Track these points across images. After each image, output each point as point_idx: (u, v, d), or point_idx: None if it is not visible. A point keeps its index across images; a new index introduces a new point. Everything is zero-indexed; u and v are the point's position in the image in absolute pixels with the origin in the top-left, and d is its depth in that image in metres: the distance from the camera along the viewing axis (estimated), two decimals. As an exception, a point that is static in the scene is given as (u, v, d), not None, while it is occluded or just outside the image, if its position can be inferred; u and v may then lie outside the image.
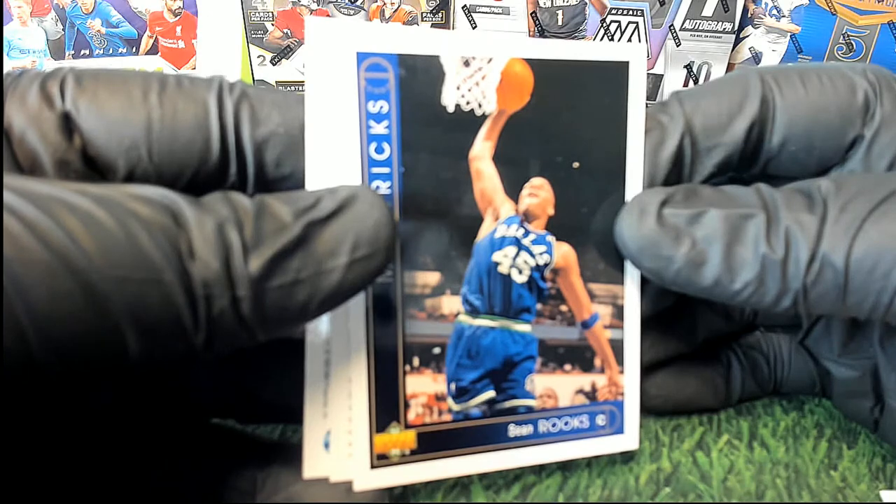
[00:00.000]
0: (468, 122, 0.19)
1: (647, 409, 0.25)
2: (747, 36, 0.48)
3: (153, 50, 0.46)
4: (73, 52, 0.45)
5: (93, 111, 0.17)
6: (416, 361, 0.20)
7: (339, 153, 0.18)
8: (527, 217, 0.20)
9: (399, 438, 0.20)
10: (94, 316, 0.13)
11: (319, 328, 0.19)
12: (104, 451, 0.18)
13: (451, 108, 0.19)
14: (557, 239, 0.21)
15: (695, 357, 0.25)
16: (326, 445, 0.19)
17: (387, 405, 0.19)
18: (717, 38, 0.47)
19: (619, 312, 0.22)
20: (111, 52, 0.46)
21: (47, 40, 0.45)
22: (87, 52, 0.45)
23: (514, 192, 0.20)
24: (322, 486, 0.19)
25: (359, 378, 0.19)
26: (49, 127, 0.17)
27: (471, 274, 0.20)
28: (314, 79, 0.18)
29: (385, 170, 0.18)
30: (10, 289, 0.12)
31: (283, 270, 0.15)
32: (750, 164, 0.22)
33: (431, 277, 0.20)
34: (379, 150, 0.18)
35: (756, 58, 0.49)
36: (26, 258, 0.12)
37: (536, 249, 0.21)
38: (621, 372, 0.22)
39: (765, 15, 0.47)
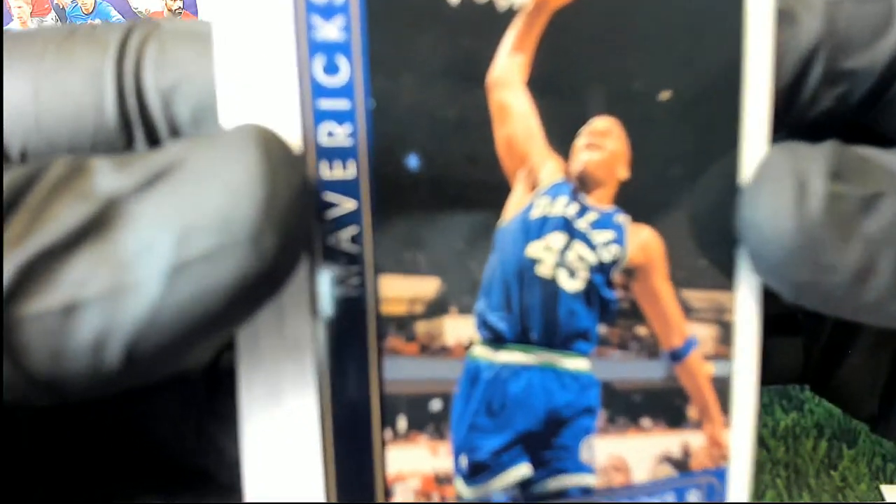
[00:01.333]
0: (485, 21, 0.12)
1: None
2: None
3: (153, 50, 0.46)
4: (73, 52, 0.46)
5: None
6: (401, 424, 0.12)
7: (259, 80, 0.11)
8: (583, 184, 0.13)
9: None
10: None
11: (254, 370, 0.12)
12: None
13: None
14: (633, 219, 0.13)
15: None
16: None
17: (355, 495, 0.12)
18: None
19: (726, 335, 0.14)
20: (111, 52, 0.46)
21: (47, 40, 0.45)
22: (87, 52, 0.46)
23: (562, 141, 0.12)
24: None
25: (306, 454, 0.12)
26: None
27: (492, 279, 0.13)
28: None
29: (342, 103, 0.11)
30: None
31: (49, 285, 0.09)
32: (865, 111, 0.15)
33: (425, 286, 0.12)
34: (330, 69, 0.11)
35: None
36: None
37: (599, 237, 0.13)
38: (726, 424, 0.15)
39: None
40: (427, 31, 0.11)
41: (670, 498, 0.15)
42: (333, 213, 0.12)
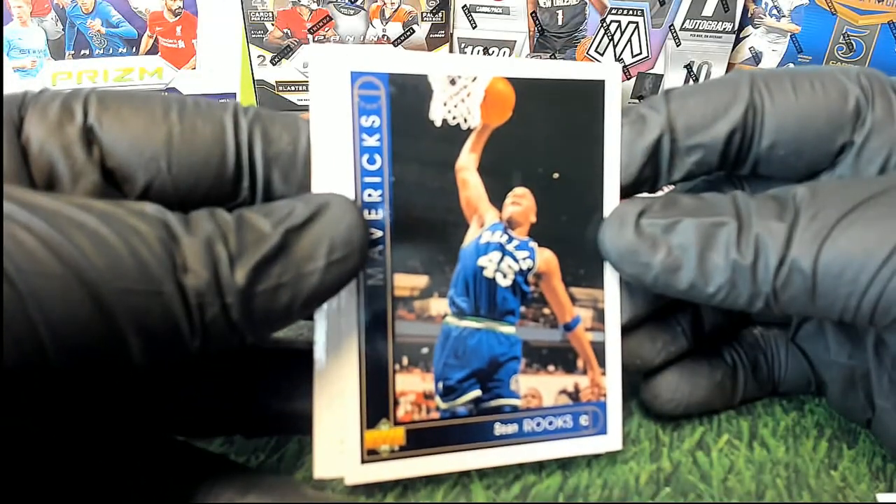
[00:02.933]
0: (454, 136, 0.20)
1: (660, 414, 0.25)
2: (747, 36, 0.48)
3: (153, 50, 0.46)
4: (73, 52, 0.45)
5: (115, 125, 0.18)
6: (405, 361, 0.20)
7: (335, 164, 0.19)
8: (510, 224, 0.21)
9: (389, 435, 0.20)
10: (103, 325, 0.14)
11: (317, 331, 0.20)
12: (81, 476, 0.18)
13: (438, 123, 0.20)
14: (540, 245, 0.22)
15: (702, 359, 0.25)
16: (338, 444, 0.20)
17: (377, 402, 0.20)
18: (718, 37, 0.47)
19: (600, 316, 0.22)
20: (111, 51, 0.46)
21: (47, 40, 0.45)
22: (87, 52, 0.45)
23: (497, 200, 0.21)
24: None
25: (351, 376, 0.20)
26: (70, 140, 0.17)
27: (457, 277, 0.21)
28: (316, 98, 0.19)
29: (376, 179, 0.20)
30: (30, 300, 0.13)
31: (266, 276, 0.16)
32: (736, 165, 0.22)
33: (420, 280, 0.20)
34: (371, 161, 0.20)
35: (756, 58, 0.49)
36: (43, 271, 0.13)
37: (520, 255, 0.21)
38: (603, 374, 0.23)
39: (765, 15, 0.47)
40: (422, 140, 0.20)
41: (569, 419, 0.22)
42: (371, 238, 0.20)
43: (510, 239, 0.21)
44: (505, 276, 0.21)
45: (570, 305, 0.22)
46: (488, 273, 0.21)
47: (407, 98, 0.20)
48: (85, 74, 0.46)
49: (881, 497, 0.24)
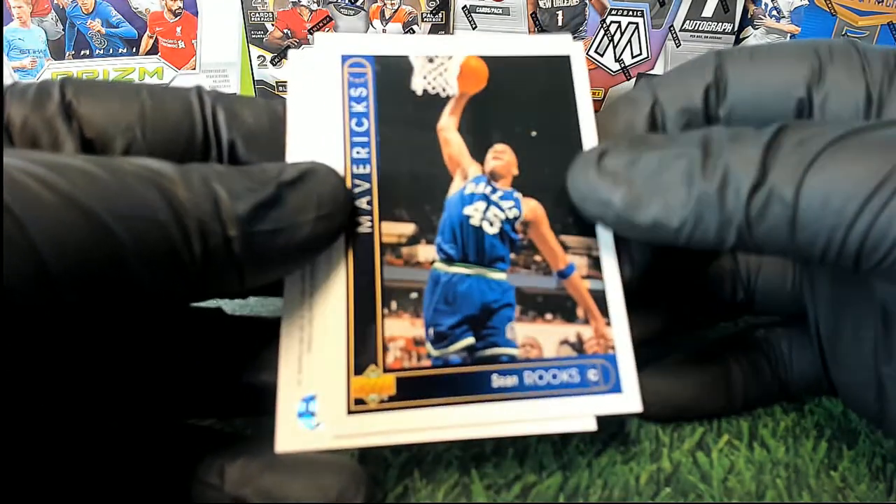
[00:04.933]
0: (434, 103, 0.23)
1: (645, 416, 0.25)
2: (747, 37, 0.48)
3: (153, 50, 0.46)
4: (73, 52, 0.45)
5: (91, 101, 0.19)
6: (393, 305, 0.20)
7: (324, 126, 0.22)
8: (493, 176, 0.22)
9: (378, 383, 0.20)
10: (101, 244, 0.15)
11: (298, 283, 0.20)
12: (78, 452, 0.18)
13: (419, 92, 0.23)
14: (524, 195, 0.22)
15: (690, 360, 0.25)
16: (301, 415, 0.19)
17: (365, 347, 0.20)
18: (717, 38, 0.47)
19: (595, 263, 0.22)
20: (111, 52, 0.46)
21: (47, 40, 0.45)
22: (88, 52, 0.45)
23: (479, 156, 0.23)
24: (291, 476, 0.19)
25: (337, 319, 0.20)
26: (51, 114, 0.19)
27: (444, 225, 0.22)
28: (302, 74, 0.22)
29: (364, 139, 0.22)
30: (26, 218, 0.14)
31: (264, 219, 0.17)
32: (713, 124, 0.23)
33: (407, 228, 0.21)
34: (359, 124, 0.22)
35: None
36: (37, 202, 0.14)
37: (505, 204, 0.22)
38: (608, 324, 0.22)
39: (765, 16, 0.47)
40: (405, 106, 0.22)
41: (574, 373, 0.21)
42: (359, 190, 0.21)
43: (494, 190, 0.22)
44: (491, 224, 0.22)
45: (563, 253, 0.22)
46: (474, 221, 0.22)
47: (390, 74, 0.23)
48: (85, 75, 0.46)
49: None
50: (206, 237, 0.16)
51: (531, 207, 0.22)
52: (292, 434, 0.19)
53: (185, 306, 0.22)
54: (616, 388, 0.21)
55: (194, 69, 0.46)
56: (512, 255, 0.22)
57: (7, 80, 0.46)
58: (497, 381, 0.21)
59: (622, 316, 0.22)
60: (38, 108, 0.19)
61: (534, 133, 0.23)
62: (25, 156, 0.15)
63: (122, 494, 0.19)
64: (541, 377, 0.21)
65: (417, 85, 0.22)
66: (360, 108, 0.22)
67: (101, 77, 0.46)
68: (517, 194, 0.22)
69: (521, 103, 0.23)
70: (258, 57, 0.46)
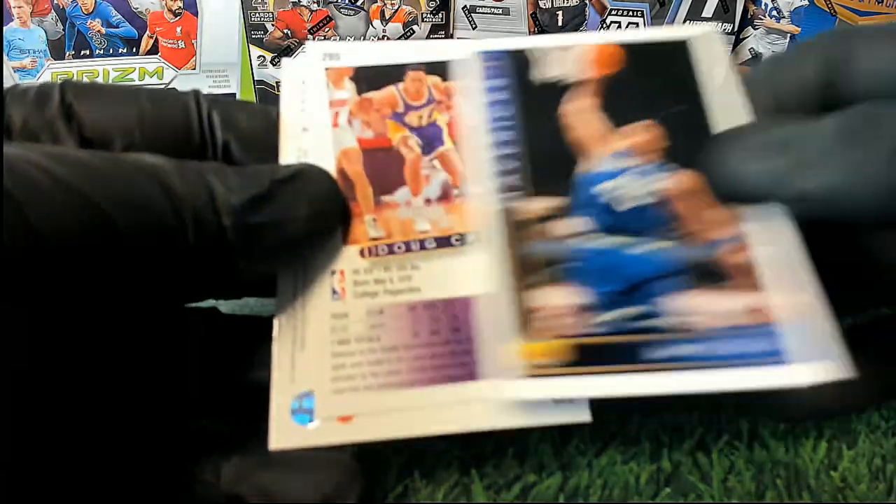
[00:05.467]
0: (562, 88, 0.23)
1: (784, 418, 0.24)
2: (747, 37, 0.48)
3: (153, 50, 0.46)
4: (73, 52, 0.45)
5: (91, 103, 0.20)
6: (542, 276, 0.20)
7: (314, 130, 0.23)
8: (636, 151, 0.22)
9: (553, 347, 0.19)
10: (98, 230, 0.15)
11: (291, 279, 0.21)
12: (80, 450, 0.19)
13: (545, 78, 0.24)
14: (675, 168, 0.22)
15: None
16: (295, 413, 0.19)
17: (521, 316, 0.20)
18: (717, 38, 0.47)
19: (753, 233, 0.21)
20: (111, 52, 0.46)
21: (47, 40, 0.45)
22: (88, 52, 0.45)
23: (618, 134, 0.23)
24: (287, 473, 0.20)
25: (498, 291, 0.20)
26: (51, 115, 0.19)
27: (585, 200, 0.22)
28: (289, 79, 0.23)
29: (506, 123, 0.23)
30: (25, 202, 0.14)
31: (258, 211, 0.18)
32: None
33: (549, 202, 0.21)
34: (500, 114, 0.23)
35: (756, 59, 0.49)
36: (36, 187, 0.14)
37: (650, 178, 0.22)
38: (766, 294, 0.20)
39: (765, 16, 0.47)
40: (533, 91, 0.23)
41: (735, 344, 0.20)
42: (499, 169, 0.22)
43: (637, 165, 0.22)
44: (636, 197, 0.22)
45: (717, 224, 0.21)
46: (619, 195, 0.22)
47: (520, 64, 0.24)
48: (85, 75, 0.46)
49: None
50: (201, 225, 0.17)
51: (681, 179, 0.22)
52: (286, 431, 0.19)
53: (181, 306, 0.22)
54: (781, 360, 0.20)
55: (194, 69, 0.46)
56: (662, 228, 0.21)
57: (7, 81, 0.46)
58: (652, 352, 0.20)
59: (797, 283, 0.20)
60: (38, 110, 0.19)
61: (675, 110, 0.23)
62: (24, 146, 0.15)
63: (117, 493, 0.19)
64: (707, 348, 0.20)
65: (542, 73, 0.24)
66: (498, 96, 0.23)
67: (101, 77, 0.46)
68: (666, 167, 0.22)
69: (655, 87, 0.23)
70: (258, 57, 0.46)
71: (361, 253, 0.21)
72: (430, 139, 0.23)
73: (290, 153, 0.22)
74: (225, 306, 0.24)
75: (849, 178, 0.17)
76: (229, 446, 0.20)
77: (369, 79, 0.23)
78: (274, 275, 0.20)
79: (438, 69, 0.24)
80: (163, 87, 0.47)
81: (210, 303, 0.24)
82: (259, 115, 0.22)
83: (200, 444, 0.20)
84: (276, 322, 0.20)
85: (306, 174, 0.20)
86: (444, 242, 0.22)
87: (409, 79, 0.24)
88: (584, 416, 0.20)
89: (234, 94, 0.47)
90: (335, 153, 0.22)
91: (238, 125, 0.21)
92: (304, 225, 0.19)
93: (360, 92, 0.23)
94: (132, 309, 0.20)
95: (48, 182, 0.15)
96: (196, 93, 0.21)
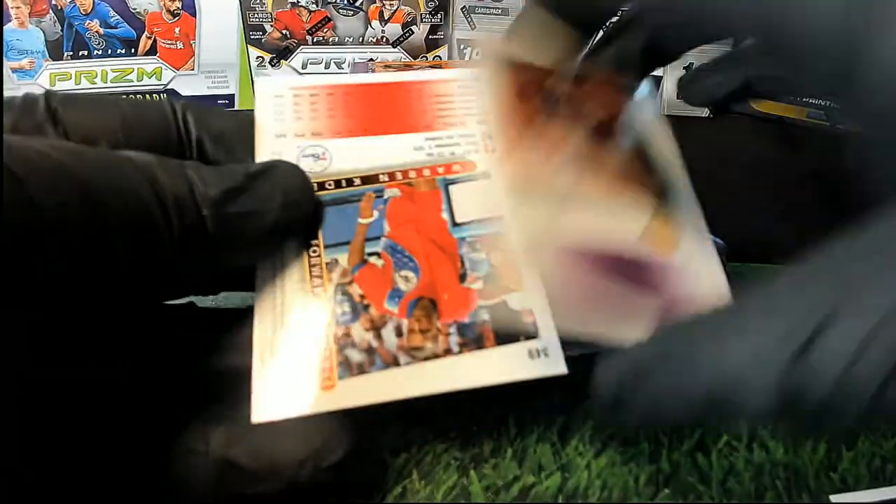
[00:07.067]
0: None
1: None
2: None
3: (152, 51, 0.46)
4: (71, 52, 0.45)
5: (76, 109, 0.21)
6: None
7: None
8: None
9: None
10: (91, 213, 0.16)
11: (270, 260, 0.22)
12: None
13: None
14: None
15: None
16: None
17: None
18: (716, 39, 0.47)
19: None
20: (109, 52, 0.46)
21: (45, 41, 0.45)
22: (86, 52, 0.45)
23: None
24: (277, 434, 0.20)
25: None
26: (39, 120, 0.20)
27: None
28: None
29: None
30: (26, 179, 0.15)
31: (234, 202, 0.19)
32: None
33: None
34: None
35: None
36: (36, 166, 0.15)
37: None
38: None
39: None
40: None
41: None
42: None
43: None
44: None
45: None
46: None
47: None
48: (83, 75, 0.45)
49: (834, 498, 0.24)
50: (183, 214, 0.18)
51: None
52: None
53: (159, 305, 0.23)
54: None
55: (193, 70, 0.46)
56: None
57: (6, 81, 0.46)
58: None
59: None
60: (26, 115, 0.20)
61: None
62: (23, 137, 0.17)
63: (109, 477, 0.19)
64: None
65: None
66: None
67: (99, 77, 0.46)
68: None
69: None
70: (257, 58, 0.46)
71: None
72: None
73: (265, 157, 0.23)
74: (202, 302, 0.24)
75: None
76: (216, 415, 0.21)
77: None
78: (253, 267, 0.21)
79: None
80: (153, 89, 0.47)
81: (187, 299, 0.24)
82: (228, 116, 0.24)
83: (187, 416, 0.21)
84: (255, 305, 0.21)
85: (279, 169, 0.21)
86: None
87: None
88: (561, 369, 0.19)
89: (232, 95, 0.47)
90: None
91: (210, 123, 0.23)
92: (278, 214, 0.20)
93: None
94: (117, 302, 0.20)
95: (47, 164, 0.16)
96: (170, 99, 0.23)
